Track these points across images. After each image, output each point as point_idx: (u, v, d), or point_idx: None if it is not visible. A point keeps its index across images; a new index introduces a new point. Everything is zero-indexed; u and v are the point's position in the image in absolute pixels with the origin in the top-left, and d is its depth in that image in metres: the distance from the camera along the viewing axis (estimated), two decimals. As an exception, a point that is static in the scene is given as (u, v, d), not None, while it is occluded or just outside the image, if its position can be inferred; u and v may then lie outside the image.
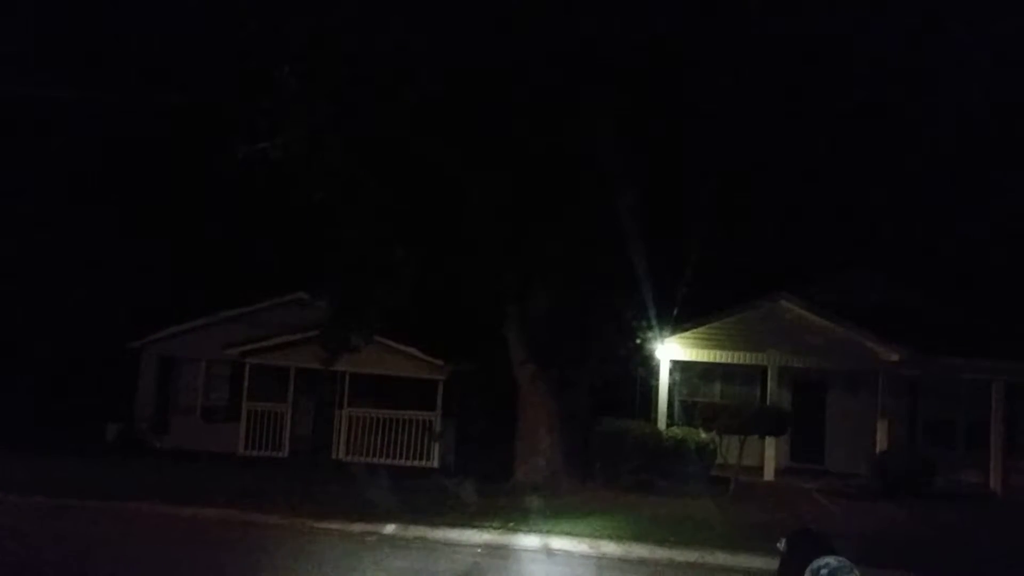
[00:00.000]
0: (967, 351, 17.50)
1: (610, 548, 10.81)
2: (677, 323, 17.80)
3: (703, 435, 16.19)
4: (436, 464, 18.10)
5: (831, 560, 4.03)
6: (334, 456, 18.24)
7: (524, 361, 15.58)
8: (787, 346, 17.75)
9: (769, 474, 17.53)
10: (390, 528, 11.30)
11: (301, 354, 17.78)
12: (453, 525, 11.53)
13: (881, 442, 17.41)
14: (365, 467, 16.29)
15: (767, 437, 17.32)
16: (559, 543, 10.95)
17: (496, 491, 14.28)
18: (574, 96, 13.58)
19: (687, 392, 19.41)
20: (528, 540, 11.04)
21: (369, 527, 11.29)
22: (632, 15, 13.23)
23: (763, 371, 18.32)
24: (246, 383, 18.81)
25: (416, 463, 18.06)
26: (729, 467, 16.30)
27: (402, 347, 18.05)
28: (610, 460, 15.88)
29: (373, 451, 18.24)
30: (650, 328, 16.84)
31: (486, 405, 18.01)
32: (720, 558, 10.48)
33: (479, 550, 10.58)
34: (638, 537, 11.27)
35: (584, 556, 10.56)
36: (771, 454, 17.66)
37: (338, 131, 13.14)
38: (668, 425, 17.31)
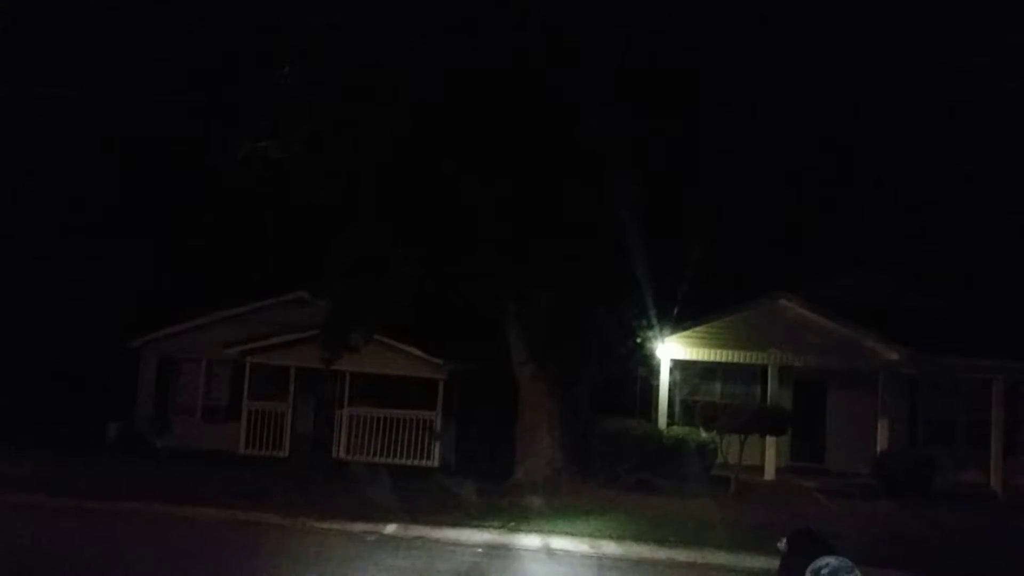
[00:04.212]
0: (967, 351, 17.50)
1: (610, 548, 10.82)
2: (677, 322, 17.78)
3: (703, 434, 16.19)
4: (436, 464, 18.09)
5: (831, 560, 4.05)
6: (334, 455, 18.22)
7: (524, 361, 15.57)
8: (787, 345, 17.75)
9: (770, 474, 17.52)
10: (390, 528, 11.31)
11: (301, 353, 17.78)
12: (453, 525, 11.54)
13: (881, 442, 17.41)
14: (365, 467, 16.26)
15: (767, 437, 17.30)
16: (559, 543, 10.96)
17: (496, 491, 14.28)
18: (575, 95, 13.56)
19: (687, 391, 19.39)
20: (528, 540, 11.05)
21: (369, 527, 11.30)
22: (632, 12, 13.22)
23: (763, 370, 18.31)
24: (246, 382, 18.82)
25: (416, 463, 18.05)
26: (729, 467, 16.28)
27: (402, 346, 18.03)
28: (610, 460, 15.88)
29: (373, 450, 18.23)
30: (650, 327, 16.82)
31: (486, 405, 17.99)
32: (721, 558, 10.49)
33: (479, 550, 10.59)
34: (638, 537, 11.28)
35: (584, 556, 10.57)
36: (771, 454, 17.64)
37: (338, 131, 13.13)
38: (668, 424, 17.31)
